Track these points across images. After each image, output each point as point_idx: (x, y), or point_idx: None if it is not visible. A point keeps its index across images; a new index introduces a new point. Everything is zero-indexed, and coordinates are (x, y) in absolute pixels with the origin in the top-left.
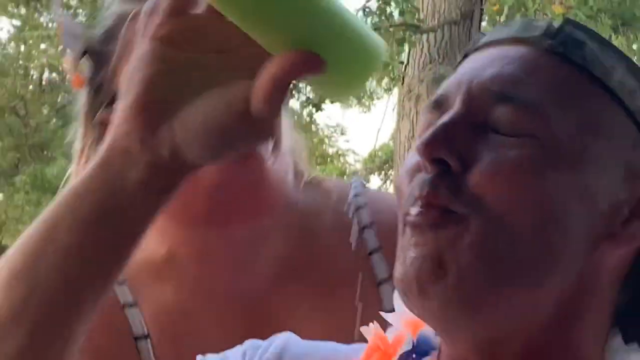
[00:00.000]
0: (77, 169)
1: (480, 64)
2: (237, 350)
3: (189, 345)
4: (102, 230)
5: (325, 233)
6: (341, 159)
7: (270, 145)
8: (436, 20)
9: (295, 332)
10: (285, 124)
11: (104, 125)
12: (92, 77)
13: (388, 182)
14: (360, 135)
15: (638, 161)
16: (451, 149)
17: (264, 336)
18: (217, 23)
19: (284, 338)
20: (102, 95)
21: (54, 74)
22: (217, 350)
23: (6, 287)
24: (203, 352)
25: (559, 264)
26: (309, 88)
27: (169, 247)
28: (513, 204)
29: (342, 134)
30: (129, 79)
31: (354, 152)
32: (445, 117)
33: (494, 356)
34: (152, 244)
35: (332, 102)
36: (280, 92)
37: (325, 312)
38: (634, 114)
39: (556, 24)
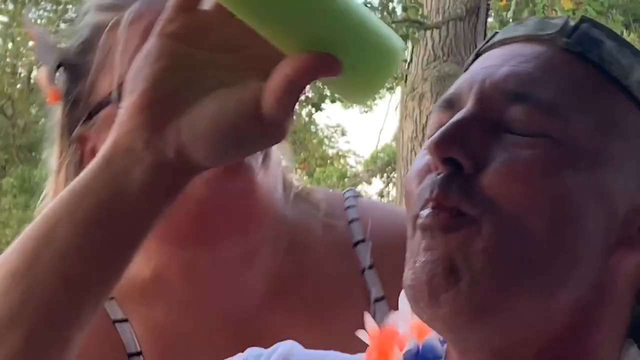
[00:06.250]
0: (54, 188)
1: (494, 63)
2: (238, 358)
3: None
4: (103, 231)
5: (315, 247)
6: (342, 160)
7: (260, 157)
8: (440, 16)
9: None
10: None
11: (81, 141)
12: (68, 91)
13: (390, 184)
14: (361, 136)
15: None
16: (463, 148)
17: None
18: (227, 20)
19: (288, 345)
20: (79, 110)
21: None
22: None
23: (3, 288)
24: None
25: (575, 268)
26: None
27: (155, 267)
28: (527, 205)
29: (343, 134)
30: (135, 75)
31: (355, 154)
32: (458, 116)
33: None
34: (137, 263)
35: (346, 103)
36: (293, 94)
37: (317, 328)
38: None
39: (572, 22)
